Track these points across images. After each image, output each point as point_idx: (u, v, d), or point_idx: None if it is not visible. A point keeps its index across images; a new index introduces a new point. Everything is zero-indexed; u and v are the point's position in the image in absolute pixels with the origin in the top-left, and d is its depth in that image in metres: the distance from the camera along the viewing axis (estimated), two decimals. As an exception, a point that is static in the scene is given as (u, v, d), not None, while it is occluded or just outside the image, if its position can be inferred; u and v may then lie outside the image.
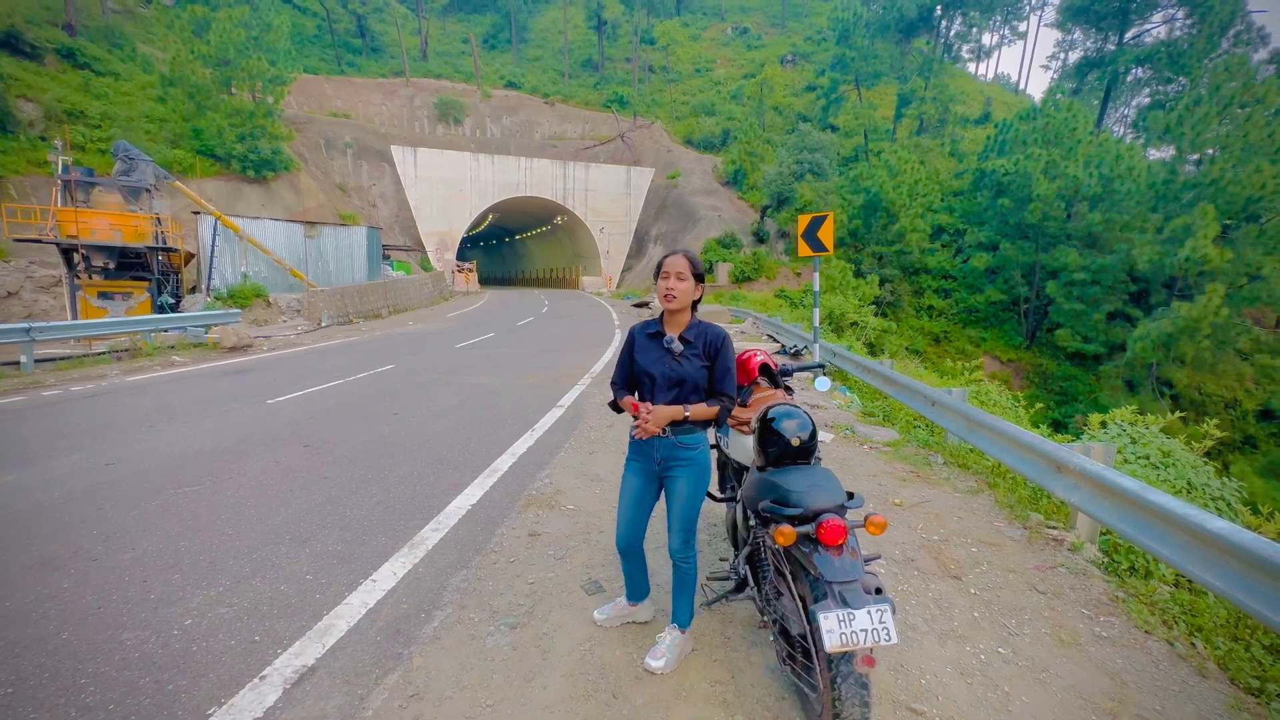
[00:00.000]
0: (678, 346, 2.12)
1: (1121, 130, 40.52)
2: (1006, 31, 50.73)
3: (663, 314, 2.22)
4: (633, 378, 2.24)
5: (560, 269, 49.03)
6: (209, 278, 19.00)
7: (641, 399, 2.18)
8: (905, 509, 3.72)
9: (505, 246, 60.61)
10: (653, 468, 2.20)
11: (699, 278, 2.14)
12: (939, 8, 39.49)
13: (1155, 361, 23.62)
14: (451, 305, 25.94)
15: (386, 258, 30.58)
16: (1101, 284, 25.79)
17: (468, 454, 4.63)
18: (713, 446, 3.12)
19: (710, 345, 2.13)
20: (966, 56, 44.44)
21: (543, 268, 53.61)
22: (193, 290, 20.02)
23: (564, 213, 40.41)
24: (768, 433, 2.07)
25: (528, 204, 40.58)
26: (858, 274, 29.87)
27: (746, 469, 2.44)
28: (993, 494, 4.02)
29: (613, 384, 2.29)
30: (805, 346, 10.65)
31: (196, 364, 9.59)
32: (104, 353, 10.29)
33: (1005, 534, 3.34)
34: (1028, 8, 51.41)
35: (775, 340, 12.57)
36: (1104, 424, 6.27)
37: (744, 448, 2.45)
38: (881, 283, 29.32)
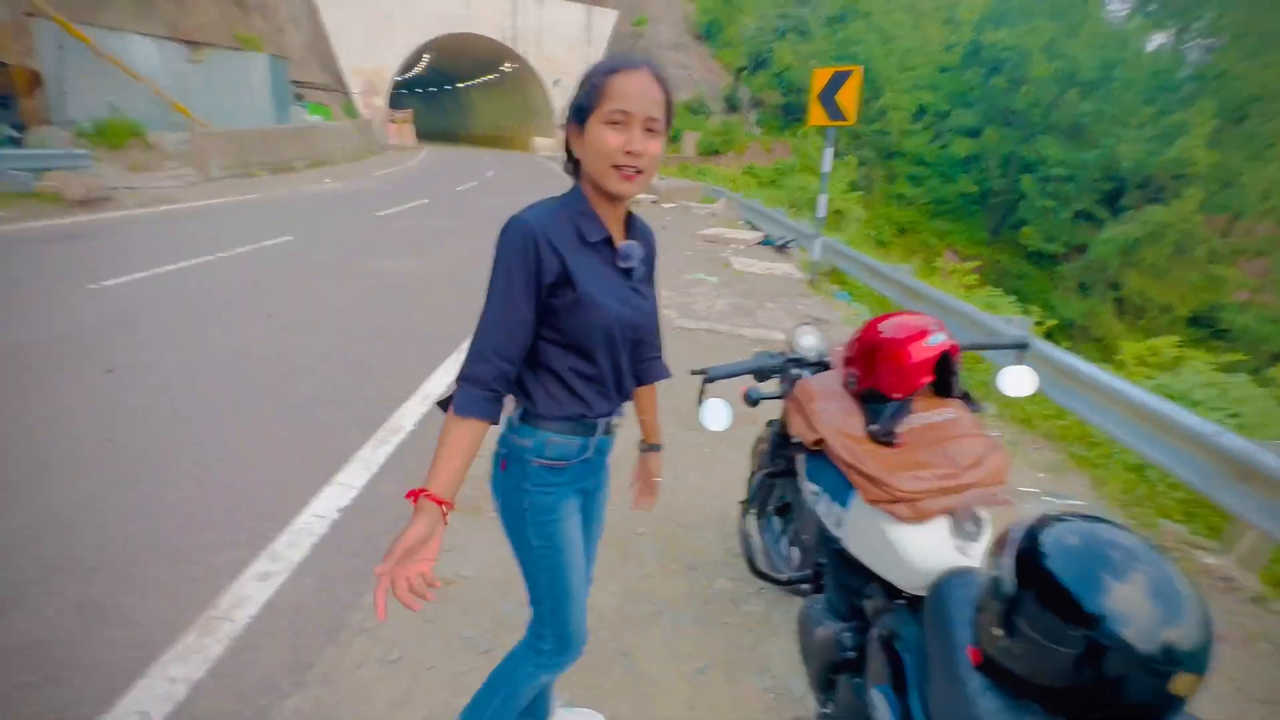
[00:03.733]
0: (637, 263, 1.07)
1: (1122, 11, 37.49)
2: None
3: (578, 194, 1.03)
4: (527, 348, 1.01)
5: (509, 127, 43.96)
6: (60, 107, 15.19)
7: (585, 387, 1.05)
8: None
9: (446, 96, 53.66)
10: (594, 493, 1.21)
11: (669, 124, 0.99)
12: None
13: (1110, 265, 23.64)
14: (381, 161, 22.59)
15: (300, 98, 25.95)
16: (1077, 180, 24.95)
17: (356, 393, 3.16)
18: (779, 474, 1.84)
19: (653, 254, 1.16)
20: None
21: (490, 125, 48.03)
22: (45, 124, 16.13)
23: (513, 58, 35.16)
24: (1066, 621, 0.65)
25: (470, 44, 34.94)
26: (836, 155, 27.75)
27: (866, 576, 1.14)
28: (1085, 475, 3.00)
29: (492, 377, 0.93)
30: (794, 239, 9.25)
31: (18, 223, 7.29)
32: (-110, 201, 7.74)
33: (1145, 563, 2.34)
34: None
35: (755, 228, 11.04)
36: (1148, 364, 5.37)
37: (885, 546, 1.06)
38: (858, 165, 27.45)
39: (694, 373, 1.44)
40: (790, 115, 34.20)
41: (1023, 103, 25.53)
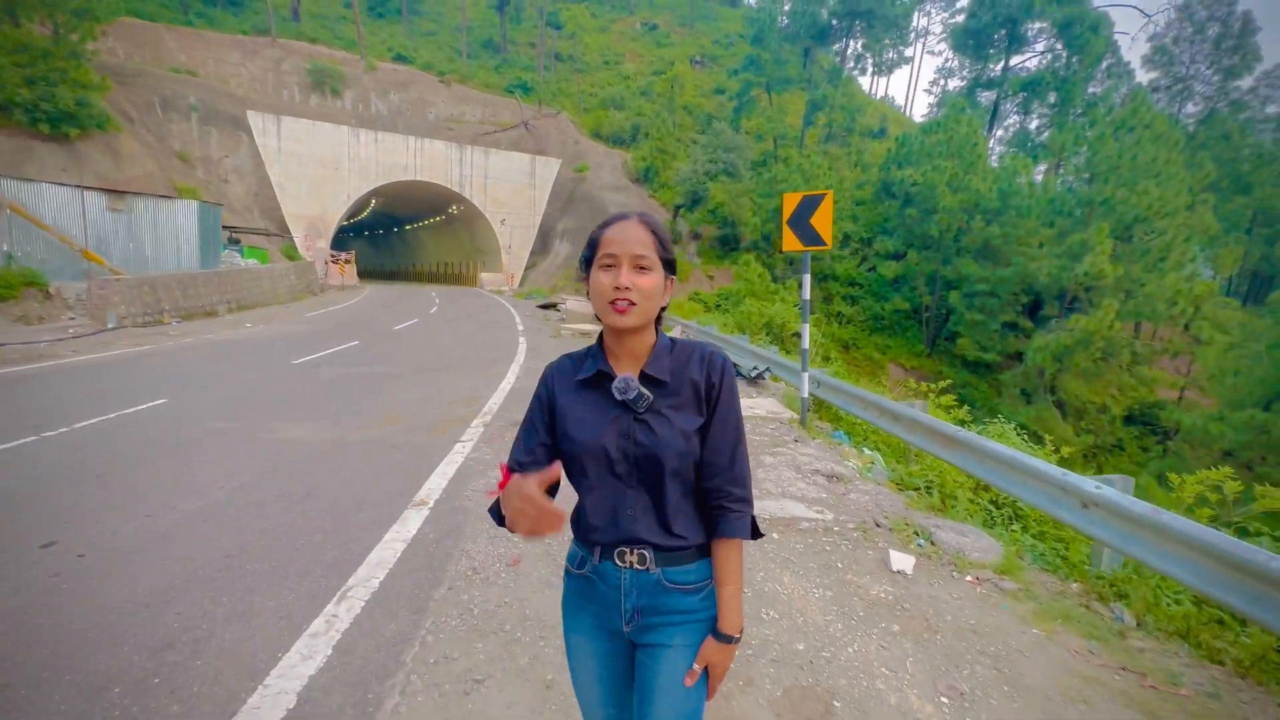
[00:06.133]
0: (638, 394, 1.05)
1: (999, 150, 43.40)
2: (894, 54, 52.84)
3: (600, 337, 1.13)
4: (554, 458, 1.11)
5: (456, 264, 44.70)
6: (-55, 258, 13.72)
7: (586, 514, 1.11)
8: None
9: (393, 237, 54.84)
10: (616, 625, 1.09)
11: (670, 265, 1.08)
12: (846, 20, 40.06)
13: (1046, 371, 24.58)
14: (318, 302, 21.62)
15: (236, 241, 25.37)
16: (999, 295, 26.62)
17: (164, 705, 1.79)
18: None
19: (707, 382, 1.08)
20: (872, 70, 45.77)
21: (436, 262, 48.82)
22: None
23: (460, 202, 36.42)
24: None
25: (418, 189, 36.16)
26: (773, 279, 29.22)
27: None
28: None
29: (512, 467, 1.11)
30: (767, 368, 8.55)
31: None
32: None
33: None
34: (913, 34, 54.01)
35: (717, 356, 10.38)
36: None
37: None
38: (798, 287, 28.68)
39: None
40: (727, 245, 36.24)
41: (936, 229, 27.81)
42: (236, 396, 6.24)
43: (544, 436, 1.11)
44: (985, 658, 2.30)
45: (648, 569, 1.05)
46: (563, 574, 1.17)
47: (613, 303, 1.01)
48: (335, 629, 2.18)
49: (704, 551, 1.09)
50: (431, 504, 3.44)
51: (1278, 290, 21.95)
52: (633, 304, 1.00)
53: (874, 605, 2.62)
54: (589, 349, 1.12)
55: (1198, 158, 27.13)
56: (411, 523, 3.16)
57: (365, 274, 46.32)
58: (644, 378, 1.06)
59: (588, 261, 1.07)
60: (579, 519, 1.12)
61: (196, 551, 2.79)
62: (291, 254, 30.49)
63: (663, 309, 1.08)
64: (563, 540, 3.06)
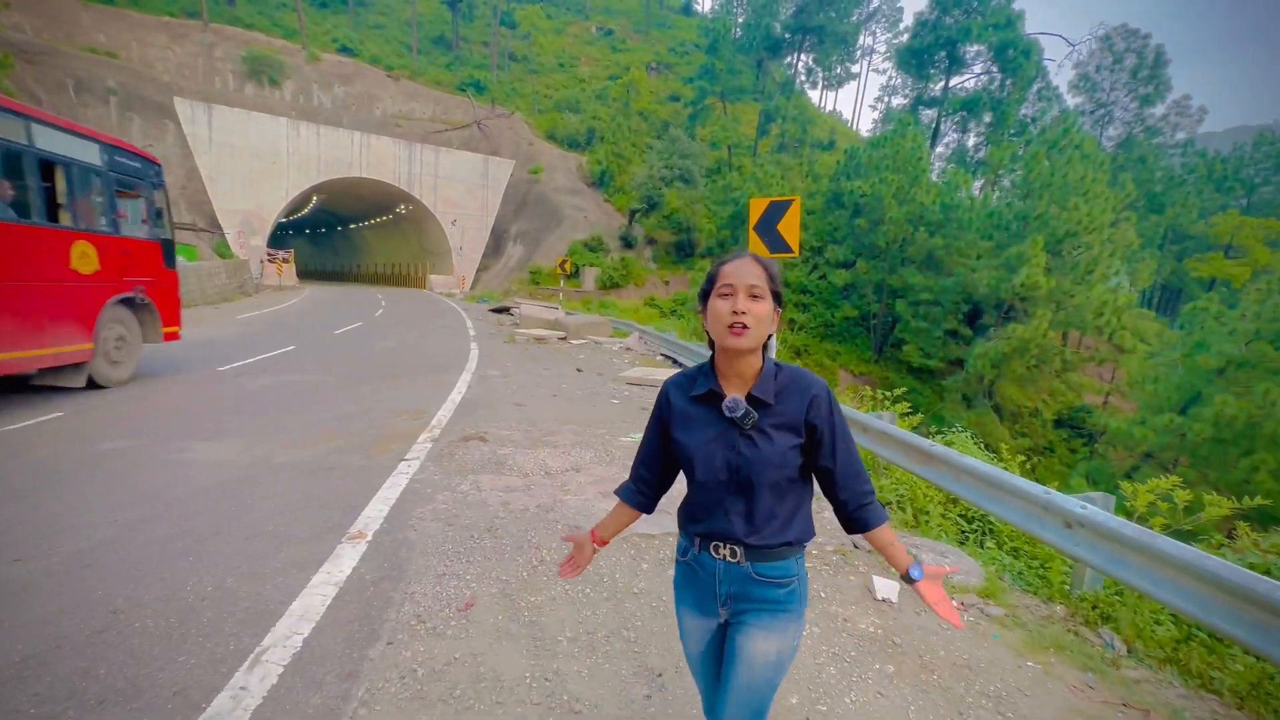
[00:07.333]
0: (745, 412, 1.19)
1: (939, 165, 45.42)
2: (841, 71, 54.49)
3: (713, 358, 1.28)
4: (664, 468, 1.37)
5: (403, 265, 43.11)
6: None
7: (691, 510, 1.30)
8: None
9: (337, 236, 52.46)
10: (712, 609, 1.28)
11: (778, 298, 1.21)
12: (797, 35, 41.03)
13: (986, 377, 25.61)
14: (252, 303, 20.26)
15: (158, 238, 23.47)
16: (942, 304, 27.65)
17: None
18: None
19: (809, 405, 1.21)
20: (822, 84, 47.00)
21: (383, 263, 46.97)
22: None
23: (409, 201, 35.11)
24: None
25: (363, 187, 34.65)
26: (729, 286, 29.40)
27: None
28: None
29: (635, 479, 1.40)
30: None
31: None
32: None
33: None
34: (860, 52, 55.95)
35: (675, 363, 10.18)
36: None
37: None
38: (752, 295, 29.06)
39: None
40: (683, 251, 36.38)
41: (883, 239, 28.71)
42: (145, 408, 5.56)
43: (657, 458, 1.34)
44: (987, 699, 2.12)
45: (739, 562, 1.22)
46: (677, 555, 1.36)
47: (730, 326, 1.15)
48: (244, 707, 1.78)
49: (793, 549, 1.24)
50: (370, 537, 3.03)
51: (1189, 303, 23.66)
52: (746, 327, 1.14)
53: (865, 642, 2.42)
54: (701, 367, 1.28)
55: (1120, 178, 29.04)
56: (345, 561, 2.75)
57: (306, 274, 44.10)
58: (750, 398, 1.20)
59: (705, 294, 1.22)
60: (686, 512, 1.30)
61: (72, 607, 2.31)
62: (224, 251, 28.60)
63: (770, 335, 1.20)
64: (518, 583, 2.74)
